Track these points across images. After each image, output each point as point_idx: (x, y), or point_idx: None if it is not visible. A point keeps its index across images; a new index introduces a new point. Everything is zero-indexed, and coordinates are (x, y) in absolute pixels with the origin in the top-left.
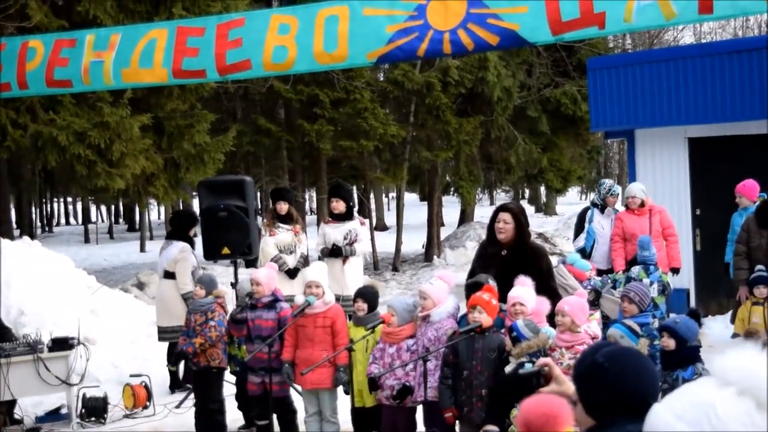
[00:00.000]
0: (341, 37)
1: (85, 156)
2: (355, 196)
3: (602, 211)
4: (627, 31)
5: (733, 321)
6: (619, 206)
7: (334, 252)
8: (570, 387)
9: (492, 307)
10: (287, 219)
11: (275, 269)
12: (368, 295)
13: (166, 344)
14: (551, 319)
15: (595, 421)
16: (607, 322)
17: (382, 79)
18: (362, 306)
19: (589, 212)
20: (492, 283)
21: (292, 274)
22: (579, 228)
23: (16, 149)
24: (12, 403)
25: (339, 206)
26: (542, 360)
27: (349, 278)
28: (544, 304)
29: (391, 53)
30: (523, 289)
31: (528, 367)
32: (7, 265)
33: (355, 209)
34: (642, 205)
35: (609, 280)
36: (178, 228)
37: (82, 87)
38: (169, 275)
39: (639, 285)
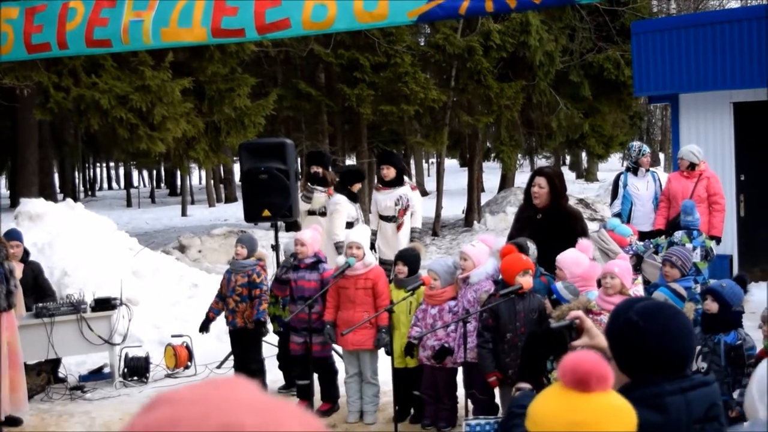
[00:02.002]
0: None
1: (126, 119)
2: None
3: (635, 173)
4: None
5: None
6: (659, 169)
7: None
8: (602, 341)
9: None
10: (323, 182)
11: (320, 231)
12: (409, 257)
13: (205, 306)
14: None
15: (630, 379)
16: (647, 287)
17: (422, 43)
18: (402, 269)
19: (623, 176)
20: (532, 246)
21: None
22: (614, 194)
23: (59, 112)
24: (56, 362)
25: (389, 173)
26: (573, 313)
27: (402, 244)
28: (595, 268)
29: (431, 11)
30: (569, 252)
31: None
32: (51, 227)
33: (406, 176)
34: (692, 168)
35: (651, 245)
36: (342, 183)
37: (121, 47)
38: None
39: (681, 249)
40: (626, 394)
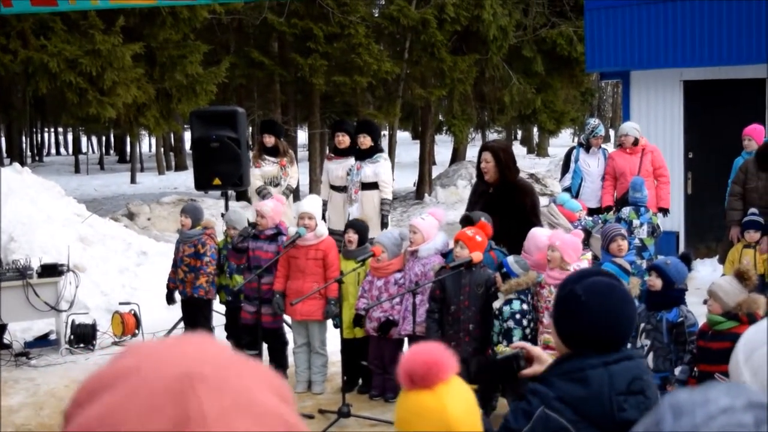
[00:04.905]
0: None
1: (76, 83)
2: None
3: (587, 150)
4: None
5: (721, 262)
6: (609, 146)
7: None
8: None
9: (475, 243)
10: (274, 152)
11: (282, 202)
12: (359, 227)
13: (154, 274)
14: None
15: (568, 349)
16: (595, 262)
17: (376, 14)
18: (353, 237)
19: (575, 151)
20: (486, 220)
21: None
22: (565, 168)
23: (6, 74)
24: (1, 328)
25: (344, 141)
26: (518, 343)
27: (371, 217)
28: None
29: None
30: (539, 232)
31: (508, 349)
32: None
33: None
34: (635, 143)
35: (600, 221)
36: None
37: (67, 6)
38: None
39: (618, 225)
40: (554, 367)
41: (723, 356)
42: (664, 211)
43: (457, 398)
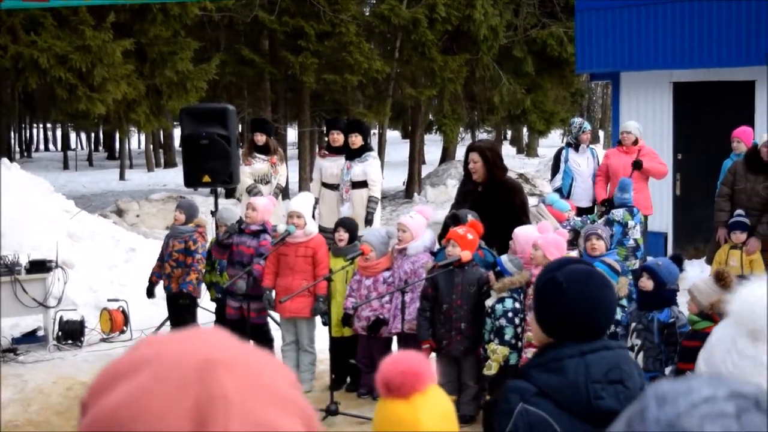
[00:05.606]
0: None
1: (66, 79)
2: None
3: (576, 149)
4: None
5: (709, 262)
6: (599, 146)
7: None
8: None
9: (467, 242)
10: (265, 150)
11: (275, 203)
12: (349, 225)
13: (142, 271)
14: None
15: (547, 338)
16: None
17: (368, 13)
18: (343, 236)
19: (564, 152)
20: (472, 218)
21: None
22: (555, 168)
23: None
24: None
25: (339, 139)
26: None
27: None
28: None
29: None
30: (527, 229)
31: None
32: None
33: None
34: (635, 143)
35: (588, 221)
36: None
37: (58, 1)
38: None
39: (602, 225)
40: (533, 359)
41: (695, 355)
42: (638, 164)
43: (432, 410)
